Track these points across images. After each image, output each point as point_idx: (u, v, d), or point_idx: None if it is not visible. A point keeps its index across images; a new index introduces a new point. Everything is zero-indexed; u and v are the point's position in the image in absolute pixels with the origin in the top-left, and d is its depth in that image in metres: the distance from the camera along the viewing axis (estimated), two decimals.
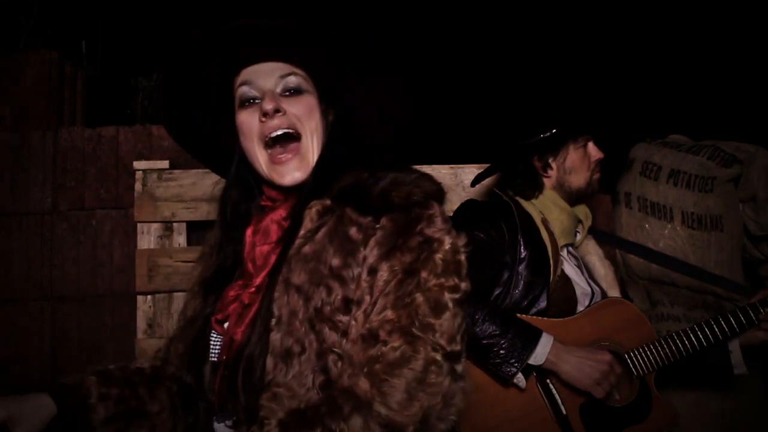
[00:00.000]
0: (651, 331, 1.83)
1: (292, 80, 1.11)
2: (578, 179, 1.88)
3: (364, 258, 1.00)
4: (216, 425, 1.08)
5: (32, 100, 2.57)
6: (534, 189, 1.88)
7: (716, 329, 1.78)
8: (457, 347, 0.97)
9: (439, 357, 0.94)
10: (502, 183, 1.96)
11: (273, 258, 1.07)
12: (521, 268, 1.75)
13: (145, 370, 1.23)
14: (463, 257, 1.03)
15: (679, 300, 2.44)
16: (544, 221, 1.84)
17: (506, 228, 1.78)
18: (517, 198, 1.89)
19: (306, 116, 1.10)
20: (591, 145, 1.89)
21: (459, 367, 0.97)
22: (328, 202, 1.06)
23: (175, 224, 2.34)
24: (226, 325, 1.09)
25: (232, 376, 1.02)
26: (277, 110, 1.08)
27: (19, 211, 2.44)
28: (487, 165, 2.02)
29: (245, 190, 1.21)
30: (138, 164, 2.35)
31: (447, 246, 1.01)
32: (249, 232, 1.13)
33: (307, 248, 1.03)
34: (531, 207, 1.86)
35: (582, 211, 1.96)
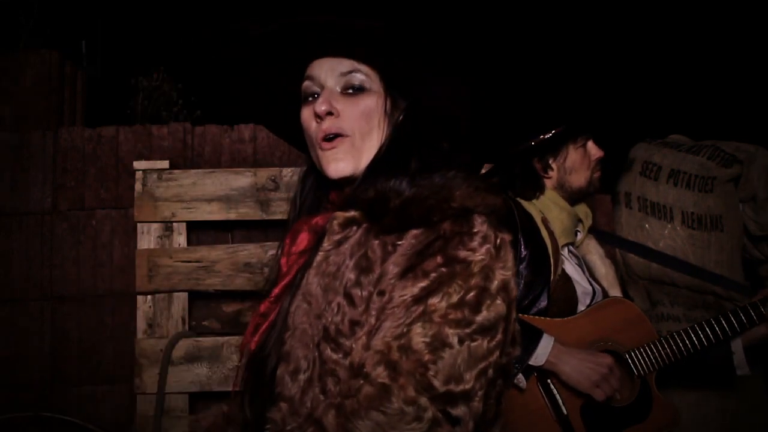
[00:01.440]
0: (652, 330, 1.83)
1: (355, 78, 1.03)
2: (579, 179, 1.88)
3: (379, 278, 0.92)
4: None
5: (32, 100, 2.57)
6: (535, 190, 1.88)
7: (717, 329, 1.78)
8: (459, 387, 0.85)
9: (423, 399, 0.82)
10: (502, 184, 1.96)
11: (295, 268, 1.02)
12: (522, 267, 1.74)
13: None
14: (495, 284, 0.89)
15: (679, 300, 2.44)
16: (544, 221, 1.84)
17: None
18: (518, 198, 1.89)
19: (360, 119, 1.03)
20: (591, 144, 1.89)
21: (457, 410, 0.84)
22: (352, 213, 0.98)
23: (175, 224, 2.34)
24: None
25: (244, 387, 1.00)
26: (329, 113, 1.02)
27: (19, 211, 2.43)
28: (490, 165, 2.02)
29: (315, 188, 1.14)
30: (138, 164, 2.35)
31: (475, 269, 0.88)
32: (288, 237, 1.09)
33: (326, 262, 0.98)
34: (531, 207, 1.86)
35: (582, 210, 1.97)
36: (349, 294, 0.93)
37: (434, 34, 1.03)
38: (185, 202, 2.33)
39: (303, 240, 1.04)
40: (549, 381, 1.70)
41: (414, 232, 0.93)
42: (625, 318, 1.81)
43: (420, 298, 0.87)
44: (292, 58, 1.07)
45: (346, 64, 1.03)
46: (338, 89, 1.04)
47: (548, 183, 1.90)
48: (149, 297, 2.30)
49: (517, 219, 1.80)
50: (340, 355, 0.91)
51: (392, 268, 0.91)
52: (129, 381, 2.29)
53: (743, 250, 2.45)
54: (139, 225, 2.33)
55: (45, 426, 2.28)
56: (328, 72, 1.04)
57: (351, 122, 1.03)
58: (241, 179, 2.35)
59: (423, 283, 0.88)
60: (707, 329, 1.78)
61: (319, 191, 1.12)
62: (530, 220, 1.82)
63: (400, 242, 0.93)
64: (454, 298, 0.86)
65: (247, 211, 2.34)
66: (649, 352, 1.77)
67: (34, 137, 2.47)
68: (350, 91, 1.04)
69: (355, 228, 0.98)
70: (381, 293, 0.91)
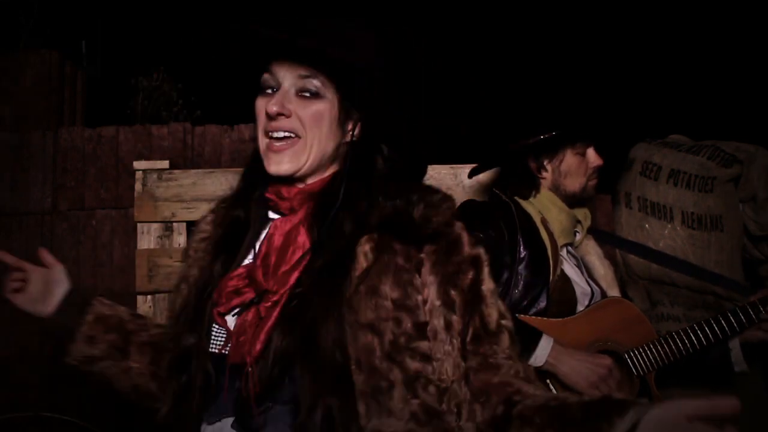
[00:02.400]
0: (651, 330, 1.83)
1: (311, 83, 1.08)
2: (573, 183, 1.86)
3: (423, 284, 1.05)
4: (204, 426, 1.04)
5: (32, 100, 2.58)
6: (530, 188, 1.87)
7: (716, 328, 1.78)
8: None
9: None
10: (501, 182, 1.96)
11: (293, 277, 1.05)
12: (521, 268, 1.74)
13: (145, 334, 1.37)
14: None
15: (679, 300, 2.44)
16: (544, 221, 1.84)
17: (505, 228, 1.78)
18: (516, 198, 1.89)
19: (312, 123, 1.08)
20: (591, 152, 1.86)
21: None
22: (375, 236, 1.05)
23: (175, 224, 2.33)
24: (230, 321, 1.06)
25: (302, 425, 0.98)
26: (280, 114, 1.07)
27: (19, 211, 2.44)
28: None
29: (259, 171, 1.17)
30: (138, 164, 2.35)
31: (484, 258, 1.10)
32: (268, 233, 1.11)
33: (365, 286, 1.02)
34: (530, 207, 1.86)
35: (581, 211, 1.96)
36: (404, 305, 1.02)
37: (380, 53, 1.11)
38: (185, 202, 2.33)
39: (294, 250, 1.08)
40: (548, 381, 1.70)
41: (431, 241, 1.07)
42: (624, 318, 1.81)
43: (476, 292, 1.08)
44: (256, 55, 1.12)
45: (305, 68, 1.08)
46: (293, 90, 1.09)
47: (543, 183, 1.89)
48: (149, 297, 2.30)
49: (516, 219, 1.80)
50: (419, 359, 1.01)
51: (434, 276, 1.05)
52: None
53: (743, 250, 2.45)
54: (139, 225, 2.33)
55: (45, 426, 2.28)
56: (287, 71, 1.08)
57: (303, 123, 1.08)
58: None
59: (469, 280, 1.08)
60: (706, 329, 1.78)
61: (258, 183, 1.16)
62: (529, 220, 1.82)
63: (422, 253, 1.06)
64: (492, 285, 1.11)
65: None
66: (649, 352, 1.77)
67: (34, 137, 2.47)
68: (306, 94, 1.08)
69: (380, 247, 1.05)
70: (443, 294, 1.05)
